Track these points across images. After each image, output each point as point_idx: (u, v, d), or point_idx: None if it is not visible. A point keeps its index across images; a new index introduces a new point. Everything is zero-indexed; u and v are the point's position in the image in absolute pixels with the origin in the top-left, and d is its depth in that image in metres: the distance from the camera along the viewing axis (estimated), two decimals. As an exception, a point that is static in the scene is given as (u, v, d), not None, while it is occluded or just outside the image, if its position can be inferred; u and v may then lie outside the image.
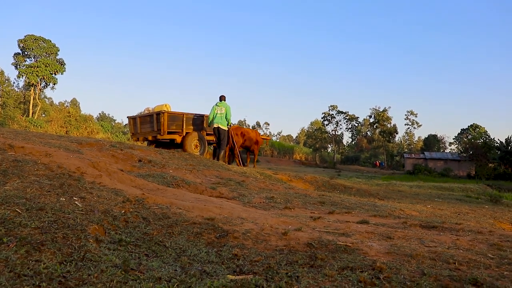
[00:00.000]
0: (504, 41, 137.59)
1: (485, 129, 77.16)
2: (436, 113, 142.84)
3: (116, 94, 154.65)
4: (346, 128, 78.74)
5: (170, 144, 14.85)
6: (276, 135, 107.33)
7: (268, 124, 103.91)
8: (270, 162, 58.45)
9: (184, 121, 14.74)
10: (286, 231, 3.51)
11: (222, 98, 14.07)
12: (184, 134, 14.68)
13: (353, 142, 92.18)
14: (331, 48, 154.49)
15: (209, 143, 15.59)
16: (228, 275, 2.49)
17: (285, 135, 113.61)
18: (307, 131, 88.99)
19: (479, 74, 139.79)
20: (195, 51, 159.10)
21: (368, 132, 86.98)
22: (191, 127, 14.99)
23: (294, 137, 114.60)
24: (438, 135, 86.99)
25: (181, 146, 14.58)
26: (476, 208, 9.60)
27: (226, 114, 13.77)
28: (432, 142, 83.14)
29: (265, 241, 3.32)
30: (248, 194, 6.92)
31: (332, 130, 76.54)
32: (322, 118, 77.65)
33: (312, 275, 2.53)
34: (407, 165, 60.13)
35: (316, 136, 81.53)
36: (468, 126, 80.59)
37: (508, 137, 50.77)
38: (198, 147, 14.87)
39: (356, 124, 79.38)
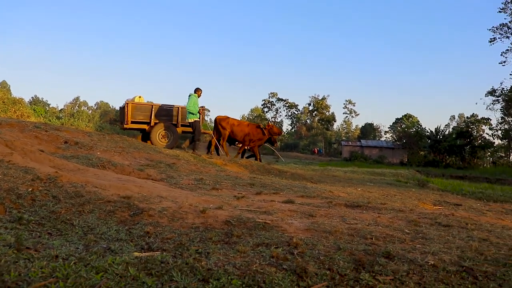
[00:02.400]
0: (439, 35, 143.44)
1: (418, 119, 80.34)
2: (373, 102, 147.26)
3: (52, 79, 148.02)
4: (285, 116, 79.62)
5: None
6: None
7: (209, 111, 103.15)
8: (209, 148, 58.16)
9: (153, 111, 14.76)
10: (204, 209, 3.39)
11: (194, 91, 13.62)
12: (152, 125, 14.64)
13: (292, 130, 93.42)
14: (272, 34, 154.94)
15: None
16: (134, 252, 2.34)
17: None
18: (247, 118, 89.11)
19: (414, 65, 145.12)
20: (129, 38, 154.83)
21: (308, 120, 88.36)
22: (163, 118, 14.95)
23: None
24: (374, 124, 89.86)
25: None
26: (404, 191, 9.88)
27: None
28: (369, 130, 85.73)
29: (182, 219, 3.19)
30: (177, 176, 6.75)
31: (271, 117, 77.18)
32: (262, 105, 78.21)
33: (224, 252, 2.43)
34: (344, 152, 61.72)
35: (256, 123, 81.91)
36: (402, 116, 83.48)
37: (437, 127, 52.95)
38: (166, 138, 14.79)
39: (296, 112, 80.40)
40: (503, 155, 56.02)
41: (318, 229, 3.12)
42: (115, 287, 1.84)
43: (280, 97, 76.53)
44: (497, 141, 53.70)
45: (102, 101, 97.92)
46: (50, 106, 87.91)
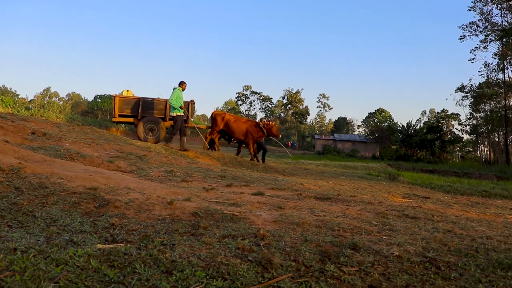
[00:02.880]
0: (413, 30, 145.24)
1: (390, 113, 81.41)
2: (346, 97, 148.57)
3: (22, 69, 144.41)
4: (259, 109, 79.62)
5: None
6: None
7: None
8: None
9: (141, 105, 14.78)
10: (172, 200, 3.35)
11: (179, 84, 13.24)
12: (139, 118, 14.63)
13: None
14: (247, 28, 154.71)
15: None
16: (97, 244, 2.29)
17: (199, 114, 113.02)
18: (221, 110, 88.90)
19: (387, 61, 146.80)
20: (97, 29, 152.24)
21: (281, 113, 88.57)
22: (151, 111, 14.91)
23: (208, 117, 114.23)
24: (348, 118, 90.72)
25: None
26: (375, 184, 10.01)
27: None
28: (342, 124, 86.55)
29: (149, 210, 3.14)
30: (148, 168, 6.67)
31: (246, 110, 77.12)
32: (236, 98, 78.00)
33: (189, 243, 2.40)
34: (317, 145, 62.20)
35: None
36: (375, 110, 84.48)
37: (409, 122, 53.89)
38: (152, 132, 14.72)
39: (270, 105, 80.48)
40: (471, 150, 57.34)
41: (286, 221, 3.12)
42: (76, 280, 1.79)
43: (254, 90, 76.53)
44: (465, 136, 55.01)
45: (74, 92, 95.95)
46: (19, 96, 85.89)
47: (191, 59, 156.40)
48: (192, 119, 15.18)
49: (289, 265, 2.11)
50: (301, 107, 75.08)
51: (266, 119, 14.88)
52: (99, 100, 60.99)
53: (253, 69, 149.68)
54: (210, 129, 15.20)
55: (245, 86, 76.80)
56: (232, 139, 15.42)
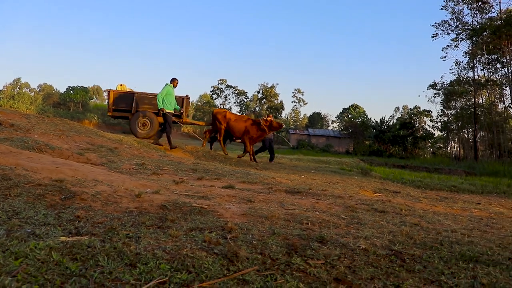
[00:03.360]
0: (387, 27, 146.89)
1: (364, 109, 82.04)
2: (321, 92, 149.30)
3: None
4: (234, 103, 79.42)
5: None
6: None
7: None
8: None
9: (135, 100, 14.71)
10: (140, 193, 3.31)
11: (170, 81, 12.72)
12: (133, 113, 14.51)
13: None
14: (223, 21, 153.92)
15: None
16: (61, 237, 2.24)
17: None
18: (196, 104, 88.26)
19: (362, 57, 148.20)
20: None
21: (256, 108, 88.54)
22: (146, 106, 14.80)
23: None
24: (322, 113, 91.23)
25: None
26: (347, 179, 10.10)
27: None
28: (316, 119, 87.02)
29: (116, 203, 3.09)
30: (118, 160, 6.58)
31: (220, 104, 76.83)
32: (211, 91, 77.62)
33: (155, 236, 2.37)
34: (291, 140, 62.44)
35: (204, 110, 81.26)
36: (349, 106, 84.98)
37: (382, 118, 54.61)
38: (146, 126, 14.52)
39: (245, 99, 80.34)
40: (442, 146, 58.42)
41: (255, 214, 3.11)
42: (35, 273, 1.75)
43: (229, 84, 76.26)
44: (437, 133, 55.93)
45: (46, 83, 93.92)
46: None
47: (165, 52, 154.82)
48: (188, 115, 14.84)
49: (255, 258, 2.10)
50: (276, 101, 75.09)
51: (262, 117, 14.27)
52: (71, 91, 59.88)
53: (228, 63, 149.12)
54: (212, 128, 14.55)
55: (220, 80, 76.57)
56: (234, 138, 14.79)
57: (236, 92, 76.26)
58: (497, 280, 2.05)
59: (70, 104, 61.76)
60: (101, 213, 2.82)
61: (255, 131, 13.82)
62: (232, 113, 14.50)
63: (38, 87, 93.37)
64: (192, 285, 1.78)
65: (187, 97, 15.39)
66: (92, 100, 73.48)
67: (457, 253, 2.44)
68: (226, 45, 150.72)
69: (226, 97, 76.34)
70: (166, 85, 12.46)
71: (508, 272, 2.20)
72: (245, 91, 77.79)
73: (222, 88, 75.13)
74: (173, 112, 12.39)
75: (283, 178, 7.12)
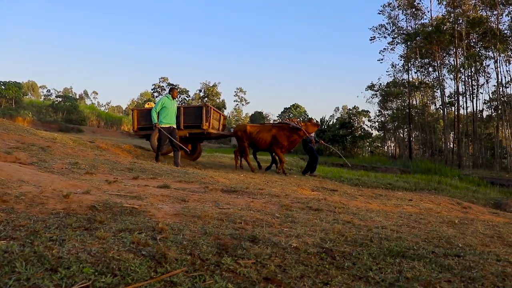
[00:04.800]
0: (327, 28, 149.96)
1: (305, 108, 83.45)
2: (263, 91, 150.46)
3: None
4: (176, 101, 78.61)
5: None
6: (104, 106, 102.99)
7: (97, 93, 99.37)
8: (95, 132, 55.52)
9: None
10: (69, 193, 3.17)
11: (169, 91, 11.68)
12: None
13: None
14: (163, 18, 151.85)
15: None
16: (-25, 242, 2.09)
17: (114, 105, 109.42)
18: (137, 102, 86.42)
19: (301, 58, 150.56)
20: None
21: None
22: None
23: (124, 108, 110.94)
24: (264, 112, 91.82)
25: None
26: (285, 177, 10.20)
27: None
28: (258, 118, 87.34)
29: (42, 204, 2.94)
30: (50, 159, 6.31)
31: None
32: (152, 89, 76.42)
33: (81, 238, 2.27)
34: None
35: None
36: (291, 105, 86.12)
37: (323, 117, 55.54)
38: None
39: (187, 98, 79.62)
40: (379, 145, 60.36)
41: (188, 214, 3.06)
42: None
43: (170, 82, 75.18)
44: (374, 132, 57.67)
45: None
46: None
47: (105, 49, 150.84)
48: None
49: (184, 259, 2.05)
50: (218, 100, 74.95)
51: (291, 117, 12.85)
52: (3, 87, 56.95)
53: (170, 60, 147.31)
54: (238, 148, 13.36)
55: (161, 78, 75.38)
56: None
57: (177, 90, 75.50)
58: (420, 273, 2.12)
59: (1, 100, 58.74)
60: (25, 215, 2.67)
61: (285, 138, 12.26)
62: (253, 126, 13.26)
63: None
64: (116, 288, 1.71)
65: (223, 115, 15.08)
66: (27, 97, 70.16)
67: (386, 249, 2.50)
68: (167, 41, 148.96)
69: (167, 95, 75.42)
70: (162, 96, 11.32)
71: (431, 265, 2.28)
72: (187, 89, 77.10)
73: (163, 86, 74.03)
74: (171, 126, 11.10)
75: (221, 177, 7.08)
